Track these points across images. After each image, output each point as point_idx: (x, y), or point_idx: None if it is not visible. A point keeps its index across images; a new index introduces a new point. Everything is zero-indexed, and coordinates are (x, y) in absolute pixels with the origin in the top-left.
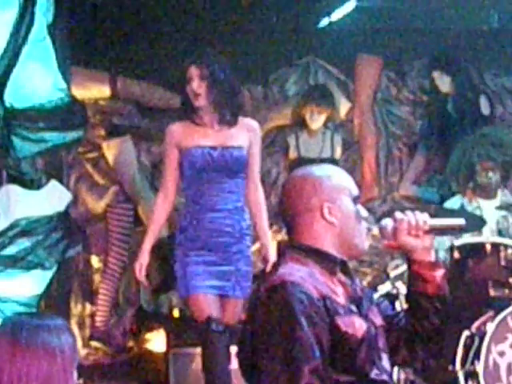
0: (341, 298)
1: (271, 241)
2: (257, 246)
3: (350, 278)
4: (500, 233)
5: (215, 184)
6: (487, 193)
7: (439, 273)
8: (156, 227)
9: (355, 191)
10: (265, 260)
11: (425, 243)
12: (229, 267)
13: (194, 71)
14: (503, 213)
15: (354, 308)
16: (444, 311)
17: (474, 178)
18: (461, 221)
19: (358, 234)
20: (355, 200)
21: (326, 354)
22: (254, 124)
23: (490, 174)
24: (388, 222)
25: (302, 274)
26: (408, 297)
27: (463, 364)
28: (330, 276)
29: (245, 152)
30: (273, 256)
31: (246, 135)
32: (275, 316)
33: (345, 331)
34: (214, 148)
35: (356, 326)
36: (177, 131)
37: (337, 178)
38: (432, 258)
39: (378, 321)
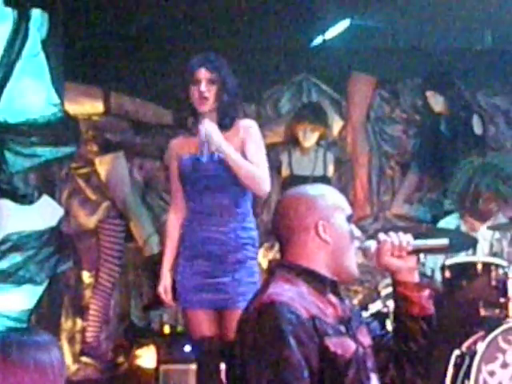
0: (330, 318)
1: (262, 258)
2: None
3: (340, 298)
4: (494, 256)
5: (208, 192)
6: (484, 219)
7: (424, 293)
8: (172, 244)
9: (348, 210)
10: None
11: (408, 264)
12: (226, 278)
13: (203, 74)
14: (497, 235)
15: (342, 329)
16: (431, 332)
17: (477, 208)
18: (444, 241)
19: (350, 253)
20: (349, 219)
21: (314, 374)
22: (248, 122)
23: (493, 205)
24: (371, 243)
25: (292, 294)
26: (394, 317)
27: (453, 383)
28: (320, 296)
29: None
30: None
31: (238, 137)
32: (264, 336)
33: (334, 352)
34: (202, 154)
35: (345, 346)
36: (176, 144)
37: (331, 197)
38: (416, 278)
39: (367, 341)
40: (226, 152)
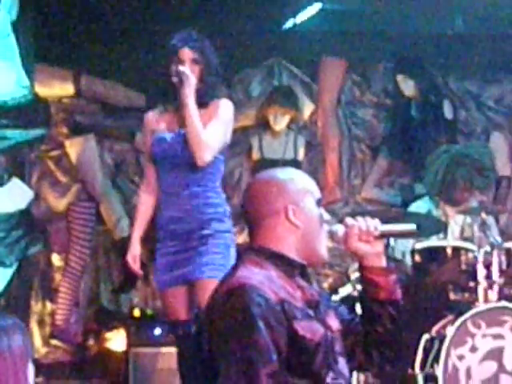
0: (299, 302)
1: None
2: None
3: (308, 282)
4: (465, 241)
5: (173, 170)
6: (457, 205)
7: (391, 278)
8: (142, 217)
9: (318, 194)
10: None
11: (376, 249)
12: (191, 252)
13: (186, 54)
14: (468, 220)
15: (311, 312)
16: (398, 316)
17: (452, 194)
18: (412, 226)
19: (320, 237)
20: (318, 203)
21: (283, 357)
22: (222, 101)
23: (467, 194)
24: (339, 228)
25: (261, 278)
26: (361, 302)
27: (422, 367)
28: (289, 280)
29: None
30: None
31: (209, 114)
32: (232, 319)
33: (302, 335)
34: (172, 132)
35: (313, 330)
36: (151, 118)
37: (300, 181)
38: (383, 263)
39: (335, 325)
40: (187, 102)
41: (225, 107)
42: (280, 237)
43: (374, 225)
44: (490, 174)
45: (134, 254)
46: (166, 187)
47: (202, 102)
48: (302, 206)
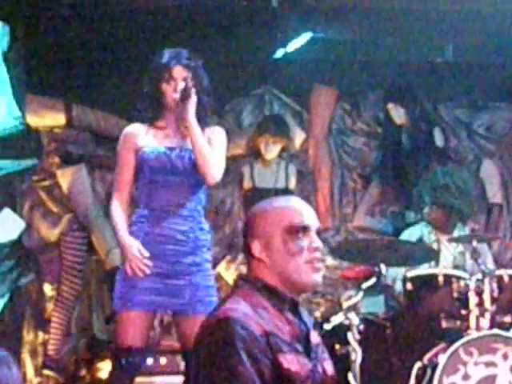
0: (286, 335)
1: (224, 270)
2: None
3: (299, 318)
4: (457, 269)
5: (170, 188)
6: (443, 230)
7: None
8: (121, 223)
9: (302, 222)
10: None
11: None
12: (182, 281)
13: (179, 72)
14: (460, 249)
15: (299, 347)
16: None
17: (438, 218)
18: None
19: (293, 269)
20: (299, 231)
21: None
22: (217, 128)
23: (454, 219)
24: None
25: (247, 310)
26: None
27: None
28: (278, 313)
29: None
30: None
31: (209, 138)
32: (217, 351)
33: (287, 368)
34: (171, 149)
35: (300, 364)
36: (134, 133)
37: (277, 212)
38: None
39: (330, 370)
40: (191, 119)
41: (222, 135)
42: (259, 270)
43: None
44: (471, 198)
45: (138, 246)
46: (157, 204)
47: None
48: (270, 241)
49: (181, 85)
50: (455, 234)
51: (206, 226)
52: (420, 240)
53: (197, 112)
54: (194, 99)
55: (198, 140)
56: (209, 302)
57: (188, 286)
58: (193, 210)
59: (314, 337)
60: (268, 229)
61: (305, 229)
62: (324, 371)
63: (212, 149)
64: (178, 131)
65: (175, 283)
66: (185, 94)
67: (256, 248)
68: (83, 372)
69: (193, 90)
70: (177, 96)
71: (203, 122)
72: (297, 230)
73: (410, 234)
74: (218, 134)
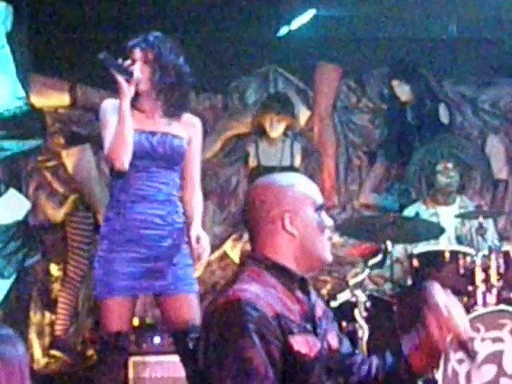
0: (296, 315)
1: (230, 249)
2: (216, 254)
3: (308, 295)
4: (458, 239)
5: (148, 172)
6: (447, 197)
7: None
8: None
9: (319, 200)
10: (197, 260)
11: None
12: (162, 263)
13: (137, 54)
14: (465, 223)
15: (308, 326)
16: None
17: (435, 180)
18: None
19: (320, 245)
20: (319, 209)
21: (279, 372)
22: (196, 120)
23: (452, 173)
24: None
25: (258, 291)
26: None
27: None
28: (288, 292)
29: (185, 144)
30: (205, 259)
31: (186, 130)
32: (228, 333)
33: (297, 351)
34: (153, 133)
35: (310, 344)
36: (112, 107)
37: (300, 187)
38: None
39: (335, 343)
40: (122, 111)
41: (200, 130)
42: (278, 246)
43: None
44: (468, 153)
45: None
46: (136, 189)
47: (169, 111)
48: (299, 214)
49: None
50: (456, 206)
51: (182, 209)
52: (417, 215)
53: (163, 96)
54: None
55: (121, 126)
56: (190, 280)
57: (169, 266)
58: (170, 195)
59: (319, 310)
60: (297, 203)
61: (322, 207)
62: (328, 345)
63: (193, 165)
64: (157, 118)
65: (155, 266)
66: (128, 77)
67: (287, 221)
68: (90, 352)
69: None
70: (124, 77)
71: (177, 106)
72: (319, 207)
73: (408, 211)
74: (198, 134)
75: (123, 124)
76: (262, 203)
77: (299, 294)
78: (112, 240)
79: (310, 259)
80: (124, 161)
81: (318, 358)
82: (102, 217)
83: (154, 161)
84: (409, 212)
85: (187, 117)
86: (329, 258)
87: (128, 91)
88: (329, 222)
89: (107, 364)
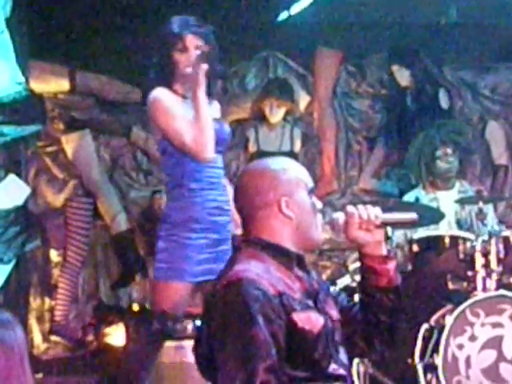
0: (297, 293)
1: None
2: None
3: (307, 272)
4: (458, 223)
5: (214, 159)
6: (446, 182)
7: (391, 265)
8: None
9: (310, 183)
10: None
11: (376, 237)
12: (226, 246)
13: (191, 41)
14: (465, 209)
15: (310, 303)
16: (399, 302)
17: (435, 166)
18: (413, 215)
19: (314, 226)
20: (311, 192)
21: (282, 351)
22: (218, 106)
23: (451, 158)
24: (339, 216)
25: (259, 271)
26: (361, 289)
27: (422, 357)
28: (287, 271)
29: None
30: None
31: (217, 115)
32: (231, 314)
33: (301, 328)
34: (215, 120)
35: (313, 321)
36: (169, 97)
37: (292, 171)
38: (384, 251)
39: (335, 314)
40: (201, 98)
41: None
42: (274, 228)
43: (375, 213)
44: (468, 139)
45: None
46: (207, 176)
47: (212, 94)
48: (294, 197)
49: (195, 54)
50: (455, 190)
51: None
52: (417, 200)
53: (209, 82)
54: (204, 70)
55: (204, 116)
56: None
57: (230, 250)
58: (224, 179)
59: (315, 284)
60: (292, 187)
61: (313, 190)
62: (330, 318)
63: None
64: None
65: (222, 249)
66: (196, 70)
67: (283, 205)
68: (90, 337)
69: (205, 70)
70: (190, 66)
71: (214, 93)
72: (310, 190)
73: (408, 197)
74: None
75: (205, 114)
76: (257, 188)
77: (298, 271)
78: (190, 229)
79: (306, 241)
80: (210, 151)
81: (321, 334)
82: (169, 205)
83: (216, 146)
84: (409, 197)
85: (214, 103)
86: (320, 240)
87: (204, 80)
88: (319, 204)
89: (155, 346)
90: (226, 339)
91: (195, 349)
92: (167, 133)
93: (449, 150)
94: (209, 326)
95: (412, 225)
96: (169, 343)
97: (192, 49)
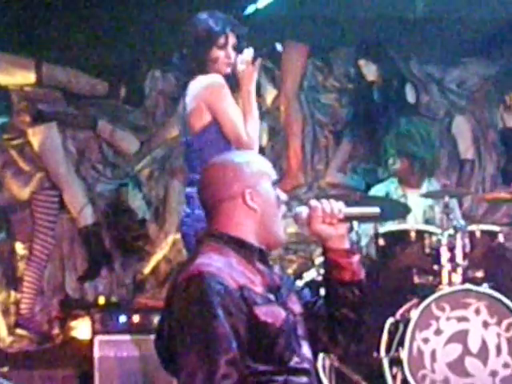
0: (259, 287)
1: None
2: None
3: (268, 266)
4: (427, 223)
5: None
6: (411, 184)
7: (355, 259)
8: None
9: (274, 175)
10: None
11: (339, 231)
12: None
13: (232, 39)
14: (429, 202)
15: (272, 297)
16: (363, 296)
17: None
18: (376, 209)
19: (277, 219)
20: (275, 184)
21: (244, 344)
22: None
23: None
24: (303, 210)
25: (220, 264)
26: (325, 284)
27: (388, 351)
28: (248, 265)
29: None
30: None
31: None
32: (192, 307)
33: (263, 321)
34: None
35: (275, 315)
36: (225, 86)
37: (256, 164)
38: (347, 245)
39: (297, 308)
40: (253, 95)
41: None
42: (238, 221)
43: (338, 207)
44: (435, 148)
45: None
46: None
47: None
48: (258, 189)
49: (247, 53)
50: (423, 188)
51: None
52: (387, 196)
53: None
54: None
55: (256, 110)
56: None
57: None
58: None
59: (276, 278)
60: (256, 179)
61: (277, 182)
62: (292, 312)
63: None
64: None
65: None
66: (250, 64)
67: (248, 197)
68: (56, 331)
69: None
70: (229, 62)
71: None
72: (274, 182)
73: (376, 191)
74: None
75: (256, 109)
76: (221, 181)
77: (259, 265)
78: None
79: (269, 234)
80: (257, 145)
81: (283, 328)
82: None
83: None
84: (378, 190)
85: None
86: (284, 236)
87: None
88: (283, 196)
89: None
90: (186, 333)
91: (156, 342)
92: (222, 120)
93: (408, 161)
94: (170, 319)
95: (376, 219)
96: (101, 337)
97: (230, 46)
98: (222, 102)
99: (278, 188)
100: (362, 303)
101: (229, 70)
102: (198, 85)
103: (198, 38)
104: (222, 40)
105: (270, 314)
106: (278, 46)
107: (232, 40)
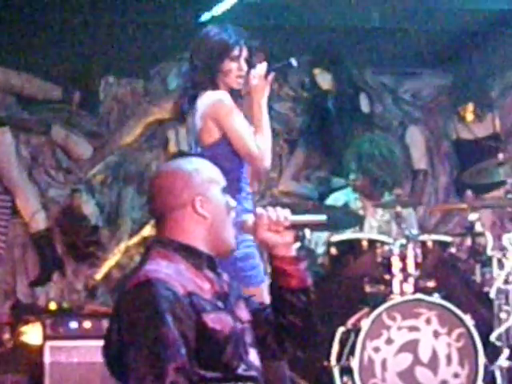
0: (207, 294)
1: (149, 235)
2: (135, 239)
3: (217, 274)
4: (384, 233)
5: None
6: (369, 197)
7: (301, 266)
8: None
9: (223, 182)
10: None
11: (285, 239)
12: None
13: (245, 52)
14: (387, 217)
15: (220, 304)
16: (310, 304)
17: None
18: (322, 217)
19: (227, 226)
20: (224, 191)
21: (192, 351)
22: None
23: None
24: (249, 217)
25: (168, 271)
26: (272, 292)
27: (338, 359)
28: (197, 272)
29: None
30: None
31: None
32: (140, 314)
33: (212, 328)
34: None
35: (223, 322)
36: (232, 102)
37: (205, 171)
38: (293, 252)
39: (245, 316)
40: (264, 109)
41: None
42: (187, 229)
43: (284, 215)
44: (397, 168)
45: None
46: (244, 184)
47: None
48: (208, 197)
49: (261, 67)
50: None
51: None
52: (346, 205)
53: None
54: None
55: (267, 124)
56: None
57: None
58: None
59: (225, 286)
60: (206, 186)
61: (226, 189)
62: (240, 320)
63: None
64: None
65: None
66: (263, 79)
67: (198, 204)
68: (6, 336)
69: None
70: (241, 74)
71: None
72: (223, 189)
73: (335, 199)
74: None
75: (268, 123)
76: (171, 189)
77: (208, 272)
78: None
79: (219, 241)
80: (269, 160)
81: (230, 335)
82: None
83: None
84: (336, 199)
85: None
86: (234, 243)
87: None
88: (233, 203)
89: None
90: (135, 339)
91: (104, 349)
92: (232, 136)
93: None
94: (118, 326)
95: (324, 226)
96: (84, 343)
97: (242, 58)
98: (229, 119)
99: (227, 195)
100: (309, 310)
101: (241, 83)
102: (206, 102)
103: (212, 49)
104: (236, 52)
105: (218, 321)
106: (294, 62)
107: (245, 52)
